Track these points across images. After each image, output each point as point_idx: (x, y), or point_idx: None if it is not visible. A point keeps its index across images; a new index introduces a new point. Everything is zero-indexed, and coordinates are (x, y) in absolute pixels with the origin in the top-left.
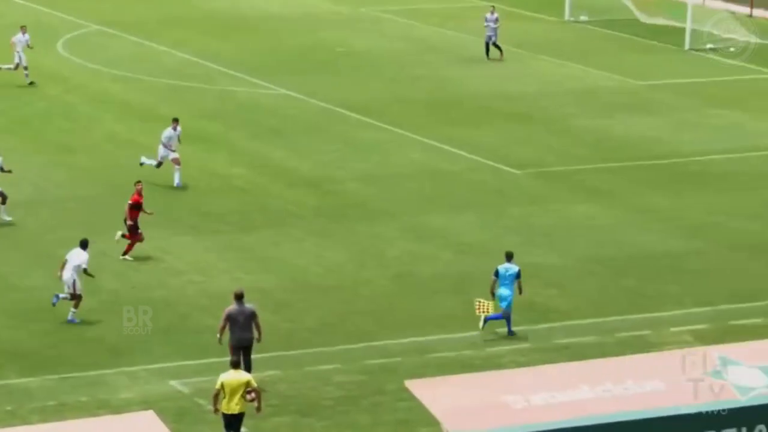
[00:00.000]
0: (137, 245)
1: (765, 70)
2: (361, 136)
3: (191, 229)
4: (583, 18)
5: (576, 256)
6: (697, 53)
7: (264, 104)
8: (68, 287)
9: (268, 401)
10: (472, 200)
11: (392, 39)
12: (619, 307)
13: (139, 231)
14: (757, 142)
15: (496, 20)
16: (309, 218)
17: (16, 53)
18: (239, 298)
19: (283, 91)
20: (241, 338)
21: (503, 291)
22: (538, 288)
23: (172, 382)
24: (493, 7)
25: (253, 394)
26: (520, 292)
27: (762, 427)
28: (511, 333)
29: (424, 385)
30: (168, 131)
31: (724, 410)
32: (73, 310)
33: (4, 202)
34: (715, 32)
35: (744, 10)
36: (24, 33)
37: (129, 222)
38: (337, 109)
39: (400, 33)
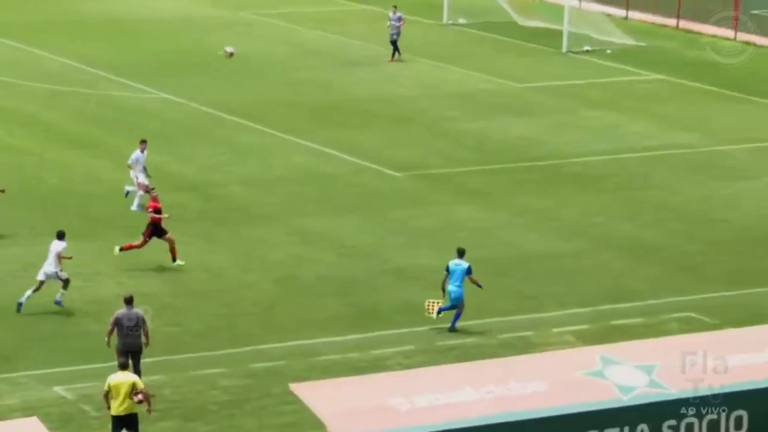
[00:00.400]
0: (135, 251)
1: (641, 71)
2: (243, 140)
3: (77, 234)
4: (461, 21)
5: None
6: (575, 55)
7: (146, 108)
8: (52, 277)
9: (153, 406)
10: (355, 203)
11: (273, 43)
12: (502, 309)
13: (147, 239)
14: (633, 144)
15: (399, 19)
16: (193, 222)
17: None
18: (128, 302)
19: (164, 95)
20: (128, 343)
21: (452, 287)
22: (422, 290)
23: (56, 388)
24: (395, 6)
25: (140, 396)
26: (480, 287)
27: (644, 426)
28: (453, 329)
29: (309, 388)
30: (136, 153)
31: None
32: (62, 291)
33: None
34: (592, 35)
35: (620, 12)
36: None
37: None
38: (220, 113)
39: (281, 37)
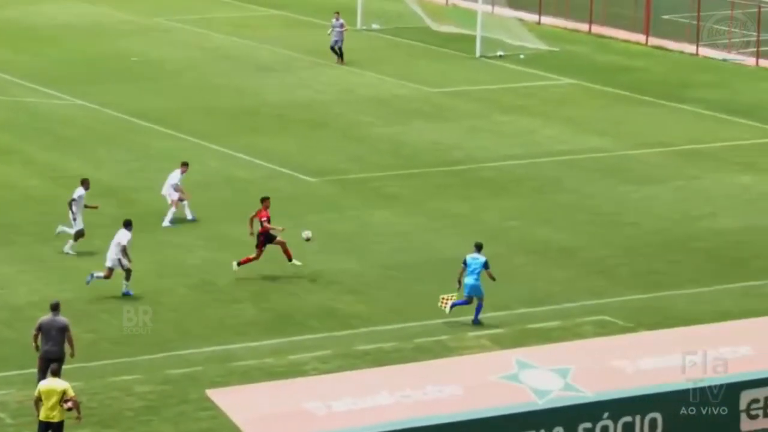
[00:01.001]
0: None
1: (554, 76)
2: (158, 145)
3: None
4: (375, 26)
5: (375, 262)
6: (488, 60)
7: (58, 114)
8: (113, 264)
9: (75, 413)
10: (271, 208)
11: (187, 48)
12: (419, 313)
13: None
14: (547, 148)
15: (342, 25)
16: (109, 227)
17: None
18: (54, 309)
19: (77, 101)
20: (49, 350)
21: (469, 280)
22: (338, 294)
23: None
24: (338, 12)
25: (70, 403)
26: (494, 280)
27: (560, 429)
28: (476, 322)
29: (226, 393)
30: (175, 174)
31: (526, 413)
32: (125, 282)
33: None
34: (506, 40)
35: (533, 17)
36: None
37: (259, 234)
38: (134, 119)
39: (195, 42)
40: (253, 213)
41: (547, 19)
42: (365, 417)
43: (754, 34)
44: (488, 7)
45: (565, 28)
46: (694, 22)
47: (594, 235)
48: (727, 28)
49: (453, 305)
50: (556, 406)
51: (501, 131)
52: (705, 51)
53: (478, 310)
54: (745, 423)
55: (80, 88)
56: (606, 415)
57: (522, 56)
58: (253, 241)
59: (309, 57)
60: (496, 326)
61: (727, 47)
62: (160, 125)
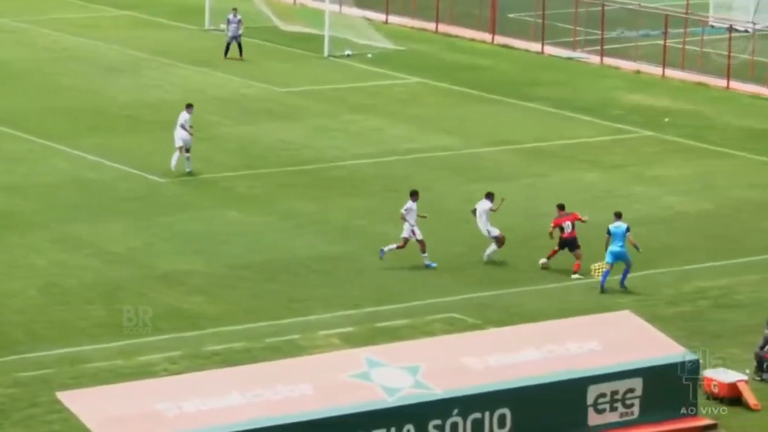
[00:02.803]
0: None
1: (401, 75)
2: (5, 146)
3: None
4: (222, 26)
5: (225, 262)
6: (336, 60)
7: None
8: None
9: None
10: (119, 209)
11: (34, 49)
12: (270, 313)
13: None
14: (395, 147)
15: (240, 21)
16: None
17: None
18: None
19: None
20: None
21: (614, 247)
22: (186, 295)
23: None
24: (235, 9)
25: None
26: (637, 249)
27: (410, 426)
28: (623, 286)
29: (76, 396)
30: (183, 114)
31: (376, 410)
32: (494, 248)
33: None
34: (353, 39)
35: (380, 17)
36: None
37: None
38: None
39: (43, 43)
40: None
41: (394, 18)
42: (216, 417)
43: (598, 32)
44: (335, 7)
45: (413, 28)
46: (540, 21)
47: (442, 232)
48: (571, 27)
49: (605, 275)
50: (406, 404)
51: (349, 130)
52: (550, 49)
53: (625, 274)
54: (592, 417)
55: None
56: (456, 411)
57: (369, 55)
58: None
59: (155, 57)
60: (346, 325)
61: (572, 45)
62: (7, 126)
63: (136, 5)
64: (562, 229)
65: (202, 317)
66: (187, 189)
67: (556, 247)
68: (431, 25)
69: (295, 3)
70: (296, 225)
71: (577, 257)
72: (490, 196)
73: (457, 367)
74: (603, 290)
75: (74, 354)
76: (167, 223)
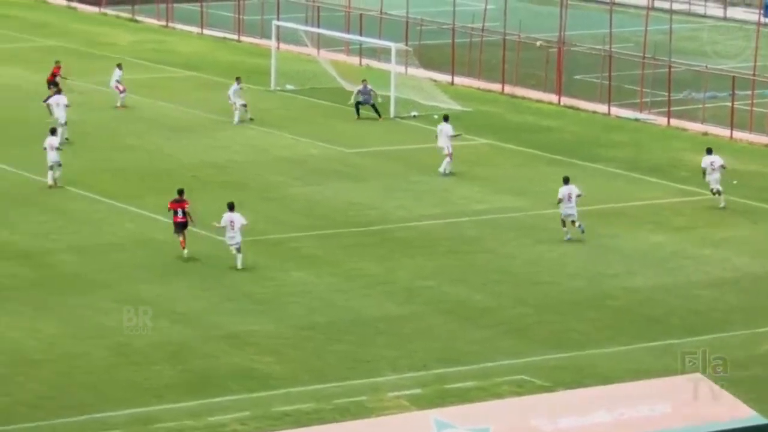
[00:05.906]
0: None
1: (467, 136)
2: (72, 207)
3: None
4: (288, 87)
5: (291, 323)
6: (402, 121)
7: None
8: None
9: None
10: (186, 268)
11: (102, 110)
12: (337, 374)
13: None
14: (462, 207)
15: (371, 91)
16: (24, 290)
17: None
18: None
19: None
20: None
21: None
22: (256, 355)
23: None
24: (365, 80)
25: None
26: None
27: None
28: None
29: None
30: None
31: None
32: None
33: None
34: (419, 100)
35: (446, 78)
36: None
37: None
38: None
39: (110, 103)
40: None
41: (459, 80)
42: None
43: (665, 93)
44: (402, 68)
45: (478, 89)
46: (606, 82)
47: (510, 294)
48: (638, 88)
49: None
50: None
51: (416, 191)
52: (617, 111)
53: None
54: None
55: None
56: None
57: (436, 116)
58: None
59: (219, 117)
60: (414, 386)
61: (639, 107)
62: (75, 187)
63: (200, 66)
64: None
65: (270, 377)
66: (254, 249)
67: None
68: (497, 86)
69: (360, 64)
70: (362, 285)
71: None
72: (447, 118)
73: (526, 429)
74: None
75: (143, 414)
76: (234, 283)
